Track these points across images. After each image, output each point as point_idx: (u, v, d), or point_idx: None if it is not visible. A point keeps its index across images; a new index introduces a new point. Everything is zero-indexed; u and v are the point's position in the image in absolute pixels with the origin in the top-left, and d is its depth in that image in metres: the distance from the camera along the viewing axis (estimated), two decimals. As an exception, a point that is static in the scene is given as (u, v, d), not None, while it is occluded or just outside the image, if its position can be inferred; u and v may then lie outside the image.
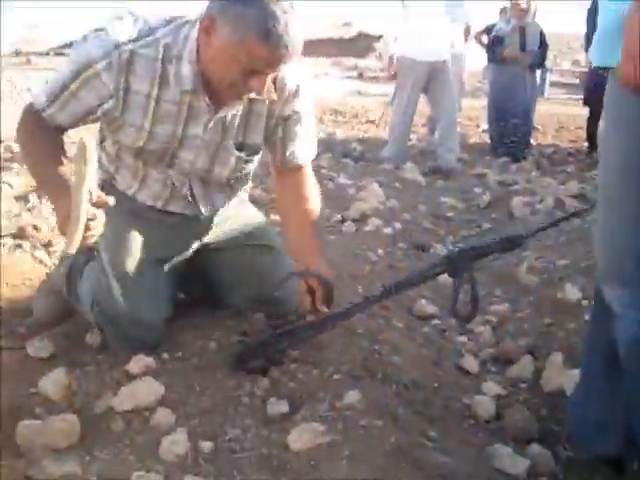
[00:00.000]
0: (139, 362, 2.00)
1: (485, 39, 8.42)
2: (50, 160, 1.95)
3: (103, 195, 1.73)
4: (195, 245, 2.32)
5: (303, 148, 2.24)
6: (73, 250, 1.67)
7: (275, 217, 2.86)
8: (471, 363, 2.44)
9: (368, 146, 7.59)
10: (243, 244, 2.36)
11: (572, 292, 2.85)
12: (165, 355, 2.10)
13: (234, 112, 2.07)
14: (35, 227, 3.28)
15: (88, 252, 2.35)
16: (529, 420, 2.06)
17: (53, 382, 1.94)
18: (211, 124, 2.05)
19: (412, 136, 8.95)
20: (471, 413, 2.11)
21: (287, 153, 2.21)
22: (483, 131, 9.80)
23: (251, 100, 2.07)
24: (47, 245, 3.16)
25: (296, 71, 2.08)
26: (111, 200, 1.76)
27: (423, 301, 2.89)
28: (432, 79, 6.68)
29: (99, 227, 1.73)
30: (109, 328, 2.14)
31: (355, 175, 5.59)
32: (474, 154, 7.84)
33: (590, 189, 5.51)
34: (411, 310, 2.84)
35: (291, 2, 1.78)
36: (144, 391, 1.85)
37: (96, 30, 1.92)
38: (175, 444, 1.65)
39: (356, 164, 6.39)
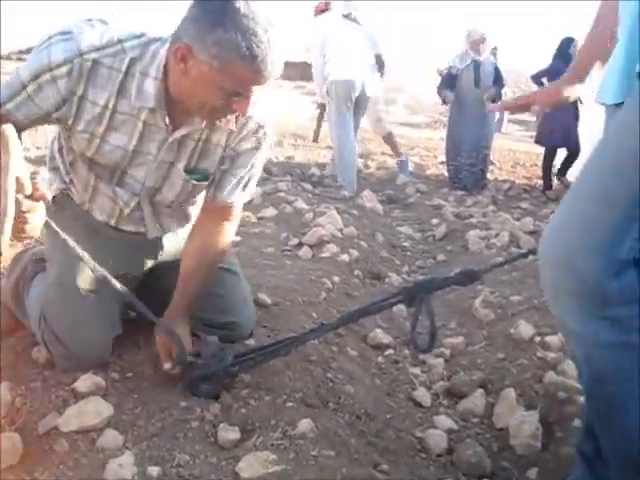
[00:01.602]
0: (87, 381, 1.95)
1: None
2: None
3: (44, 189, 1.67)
4: (150, 264, 2.28)
5: (240, 191, 2.19)
6: (4, 244, 1.60)
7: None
8: (424, 395, 2.43)
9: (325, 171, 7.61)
10: None
11: (526, 328, 2.86)
12: (115, 375, 2.05)
13: (193, 134, 2.04)
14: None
15: (36, 264, 2.30)
16: (481, 455, 2.06)
17: (-4, 398, 1.88)
18: (166, 144, 2.02)
19: (371, 164, 9.03)
20: (423, 446, 2.10)
21: (223, 192, 2.16)
22: (441, 163, 9.91)
23: (212, 129, 2.05)
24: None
25: (262, 108, 2.05)
26: (49, 195, 1.70)
27: (378, 331, 2.88)
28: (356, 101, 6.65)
29: (36, 220, 1.66)
30: (56, 346, 2.08)
31: (313, 200, 5.58)
32: (432, 185, 7.91)
33: (544, 226, 5.59)
34: (365, 339, 2.83)
35: (269, 17, 1.74)
36: (91, 411, 1.80)
37: (63, 32, 1.85)
38: (122, 467, 1.60)
39: (315, 189, 6.39)
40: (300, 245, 4.06)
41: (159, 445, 1.74)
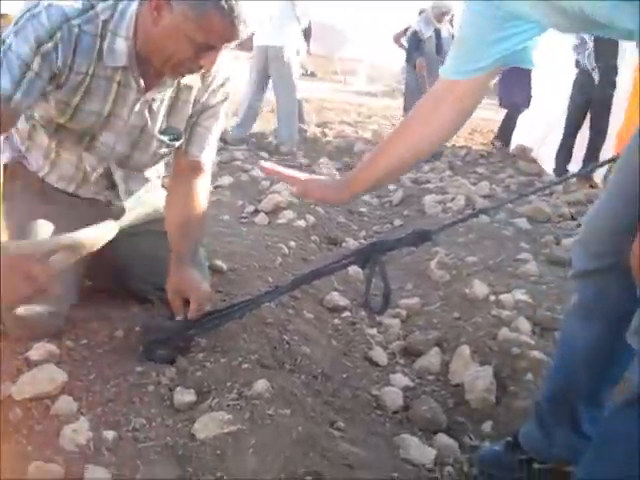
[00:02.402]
0: (40, 349, 1.92)
1: (403, 41, 8.52)
2: None
3: None
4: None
5: (209, 147, 2.22)
6: None
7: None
8: (380, 355, 2.46)
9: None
10: (154, 230, 2.31)
11: (480, 288, 2.90)
12: (69, 342, 2.02)
13: (161, 96, 2.05)
14: None
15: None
16: (436, 411, 2.09)
17: (-53, 369, 1.85)
18: (137, 106, 2.02)
19: (328, 132, 9.01)
20: (379, 404, 2.12)
21: (194, 146, 2.19)
22: (398, 130, 9.89)
23: (179, 86, 2.06)
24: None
25: (226, 64, 2.07)
26: None
27: (334, 293, 2.90)
28: (270, 64, 6.97)
29: None
30: (7, 315, 2.05)
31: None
32: (389, 152, 7.91)
33: (500, 190, 5.65)
34: (322, 302, 2.84)
35: None
36: (45, 379, 1.77)
37: (40, 3, 1.80)
38: (76, 433, 1.59)
39: (271, 157, 6.36)
40: (256, 212, 4.05)
41: (114, 410, 1.73)
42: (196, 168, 2.22)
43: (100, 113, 2.00)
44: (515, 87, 8.22)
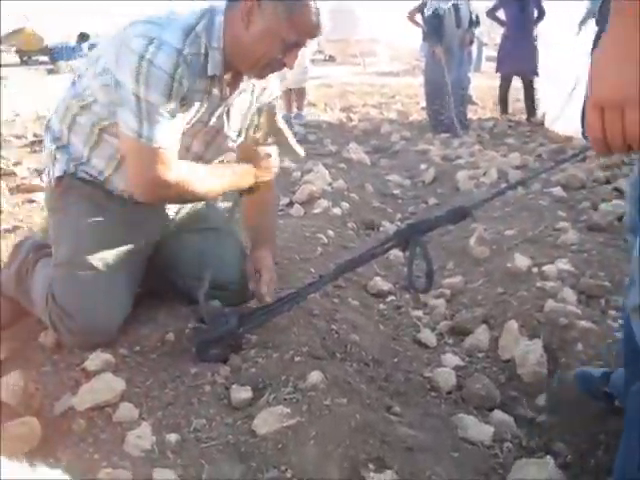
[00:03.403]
0: (96, 359, 1.96)
1: (419, 18, 8.46)
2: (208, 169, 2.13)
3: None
4: (164, 229, 2.31)
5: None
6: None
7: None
8: (429, 336, 2.47)
9: (311, 128, 7.58)
10: (203, 227, 2.38)
11: (522, 261, 2.89)
12: (123, 350, 2.07)
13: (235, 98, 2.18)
14: (-23, 231, 3.20)
15: (37, 252, 2.31)
16: (489, 388, 2.10)
17: (9, 386, 1.89)
18: (219, 110, 2.14)
19: (353, 116, 8.99)
20: (432, 385, 2.13)
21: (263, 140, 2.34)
22: (422, 108, 9.87)
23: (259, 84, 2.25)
24: (-9, 248, 3.09)
25: None
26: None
27: (377, 279, 2.91)
28: None
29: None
30: (64, 324, 2.09)
31: (299, 158, 5.56)
32: (415, 131, 7.89)
33: (532, 159, 5.61)
34: (366, 288, 2.85)
35: None
36: (104, 388, 1.82)
37: (149, 39, 1.87)
38: (140, 438, 1.63)
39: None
40: (291, 204, 4.07)
41: (174, 413, 1.76)
42: (266, 159, 2.34)
43: (190, 121, 2.08)
44: (518, 51, 8.26)
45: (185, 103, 1.99)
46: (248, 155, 2.31)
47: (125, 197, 2.20)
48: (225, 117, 2.20)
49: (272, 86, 2.34)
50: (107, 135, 2.11)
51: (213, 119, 2.15)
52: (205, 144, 2.20)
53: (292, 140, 2.35)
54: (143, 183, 1.97)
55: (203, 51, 1.98)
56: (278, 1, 1.91)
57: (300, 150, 2.40)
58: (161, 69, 1.87)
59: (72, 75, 2.16)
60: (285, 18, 1.91)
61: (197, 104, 2.06)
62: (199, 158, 2.21)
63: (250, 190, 2.28)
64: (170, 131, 1.95)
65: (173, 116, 1.94)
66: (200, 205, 2.42)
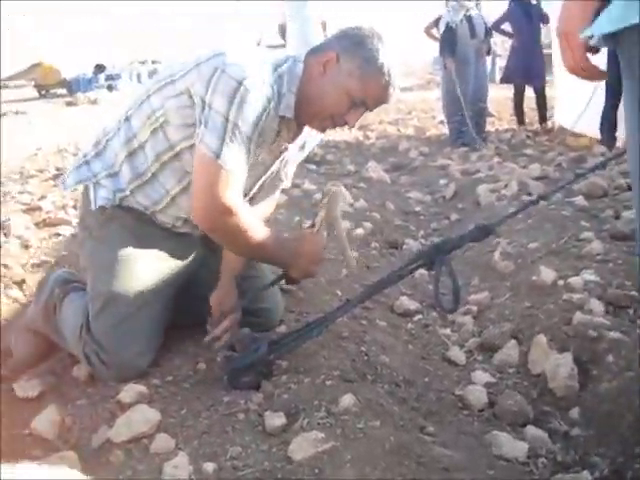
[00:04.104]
0: (130, 391, 1.99)
1: (435, 32, 8.50)
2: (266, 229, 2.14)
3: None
4: (195, 262, 2.33)
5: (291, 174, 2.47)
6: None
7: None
8: (458, 354, 2.47)
9: (328, 149, 7.61)
10: None
11: (547, 274, 2.88)
12: (156, 381, 2.09)
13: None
14: (5, 266, 3.24)
15: (62, 285, 2.34)
16: (521, 403, 2.10)
17: (46, 420, 1.92)
18: (282, 153, 2.24)
19: (370, 134, 9.02)
20: (464, 403, 2.14)
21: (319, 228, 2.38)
22: (440, 122, 9.89)
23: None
24: (20, 283, 3.13)
25: None
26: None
27: (403, 298, 2.92)
28: None
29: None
30: (98, 357, 2.12)
31: (320, 180, 5.60)
32: (433, 146, 7.91)
33: (552, 169, 5.60)
34: (392, 308, 2.86)
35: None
36: (140, 419, 1.84)
37: (244, 75, 1.93)
38: (178, 468, 1.65)
39: (319, 168, 6.40)
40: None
41: (210, 442, 1.78)
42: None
43: (256, 159, 2.12)
44: (527, 61, 8.30)
45: (260, 139, 2.05)
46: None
47: (168, 228, 2.23)
48: (281, 162, 2.28)
49: (319, 135, 2.42)
50: (166, 171, 2.14)
51: (277, 162, 2.23)
52: (255, 180, 2.23)
53: (346, 243, 2.34)
54: (207, 203, 1.98)
55: (283, 91, 2.05)
56: (356, 61, 2.04)
57: (352, 261, 2.39)
58: (256, 98, 1.93)
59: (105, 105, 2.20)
60: (358, 77, 2.04)
61: (267, 143, 2.11)
62: (251, 198, 2.27)
63: (292, 279, 2.29)
64: (244, 161, 1.99)
65: (250, 149, 1.99)
66: None
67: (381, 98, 2.11)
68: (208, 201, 1.98)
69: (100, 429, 1.88)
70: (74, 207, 4.74)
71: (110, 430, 1.84)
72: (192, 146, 2.04)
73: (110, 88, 17.93)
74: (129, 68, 20.03)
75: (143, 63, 21.13)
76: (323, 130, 2.24)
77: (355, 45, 2.06)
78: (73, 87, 17.85)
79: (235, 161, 1.94)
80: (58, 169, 6.62)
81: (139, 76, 18.97)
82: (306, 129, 2.27)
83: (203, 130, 1.94)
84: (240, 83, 1.90)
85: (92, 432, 1.88)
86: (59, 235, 4.17)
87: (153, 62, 20.81)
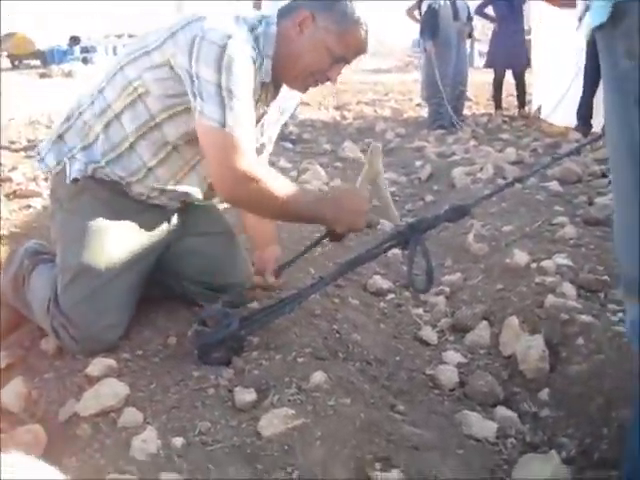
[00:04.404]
0: (99, 364, 1.96)
1: (417, 14, 8.48)
2: (295, 187, 2.10)
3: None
4: (168, 235, 2.31)
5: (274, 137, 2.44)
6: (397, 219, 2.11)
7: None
8: (429, 334, 2.47)
9: (304, 128, 7.58)
10: (205, 231, 2.39)
11: (521, 256, 2.89)
12: (125, 355, 2.07)
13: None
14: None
15: (32, 257, 2.30)
16: (492, 384, 2.10)
17: (12, 393, 1.89)
18: (262, 118, 2.21)
19: (347, 114, 9.00)
20: (435, 383, 2.14)
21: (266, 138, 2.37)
22: (417, 105, 9.89)
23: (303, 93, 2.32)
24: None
25: None
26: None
27: (377, 277, 2.91)
28: None
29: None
30: (67, 331, 2.09)
31: (295, 158, 5.57)
32: (410, 128, 7.91)
33: (527, 154, 5.62)
34: (366, 287, 2.85)
35: None
36: (108, 393, 1.81)
37: (227, 35, 1.89)
38: (146, 443, 1.63)
39: (295, 146, 6.37)
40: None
41: (179, 416, 1.76)
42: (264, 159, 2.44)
43: None
44: (509, 46, 8.33)
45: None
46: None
47: (141, 200, 2.20)
48: (261, 126, 2.24)
49: (296, 95, 2.40)
50: (144, 140, 2.11)
51: (258, 126, 2.19)
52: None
53: (389, 198, 2.30)
54: (227, 174, 1.94)
55: (260, 55, 2.03)
56: (333, 16, 2.03)
57: (396, 217, 2.34)
58: (242, 59, 1.91)
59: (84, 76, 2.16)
60: (337, 33, 2.03)
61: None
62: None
63: (336, 235, 2.22)
64: (250, 123, 1.97)
65: (251, 107, 1.97)
66: (201, 208, 2.41)
67: (360, 50, 2.11)
68: (225, 173, 1.94)
69: (67, 402, 1.86)
70: (45, 179, 4.69)
71: (77, 404, 1.82)
72: (172, 116, 2.03)
73: (85, 61, 17.72)
74: (105, 41, 19.81)
75: (119, 37, 20.91)
76: (305, 90, 2.22)
77: (328, 2, 2.05)
78: (47, 59, 17.63)
79: (241, 125, 1.91)
80: (30, 141, 6.55)
81: (115, 49, 18.78)
82: (283, 92, 2.24)
83: (200, 103, 1.89)
84: (223, 48, 1.86)
85: (59, 405, 1.86)
86: (30, 207, 4.12)
87: (130, 36, 20.60)
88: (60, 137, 2.20)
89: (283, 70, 2.09)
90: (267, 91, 2.14)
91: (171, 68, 1.96)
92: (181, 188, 2.21)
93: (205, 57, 1.88)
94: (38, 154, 2.23)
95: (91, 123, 2.14)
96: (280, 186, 2.01)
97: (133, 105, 2.07)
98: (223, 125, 1.88)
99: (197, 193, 2.26)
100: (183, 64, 1.92)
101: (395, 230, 2.25)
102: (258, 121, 2.19)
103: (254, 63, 1.97)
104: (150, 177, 2.15)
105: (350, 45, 2.07)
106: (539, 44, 8.76)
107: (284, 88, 2.23)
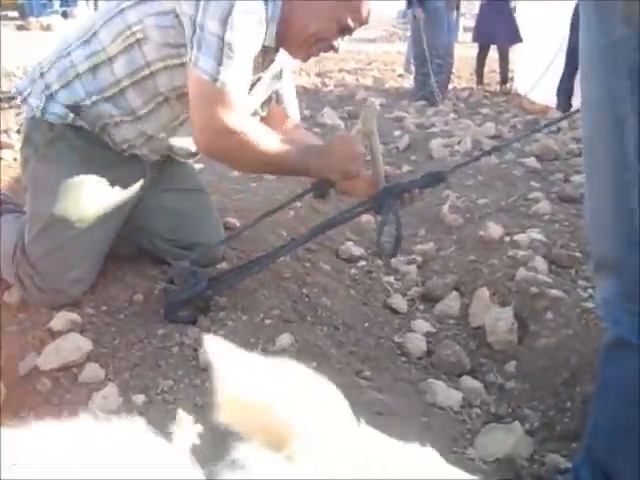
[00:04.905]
0: (62, 318, 1.93)
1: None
2: (280, 138, 2.02)
3: None
4: (142, 189, 2.25)
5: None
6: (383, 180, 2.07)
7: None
8: (399, 302, 2.45)
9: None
10: (177, 188, 2.36)
11: (494, 229, 2.88)
12: (90, 310, 2.03)
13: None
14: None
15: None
16: (460, 354, 2.10)
17: (-29, 345, 1.86)
18: (258, 82, 2.18)
19: (328, 82, 8.94)
20: (403, 351, 2.13)
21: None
22: (399, 75, 9.83)
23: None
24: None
25: None
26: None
27: (349, 244, 2.89)
28: None
29: None
30: (32, 281, 2.05)
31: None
32: (390, 98, 7.86)
33: (506, 130, 5.61)
34: (337, 253, 2.83)
35: None
36: (70, 348, 1.79)
37: (234, 4, 1.82)
38: (106, 399, 1.61)
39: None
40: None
41: (141, 374, 1.74)
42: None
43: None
44: (496, 21, 8.30)
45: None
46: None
47: (120, 151, 2.15)
48: (257, 87, 2.21)
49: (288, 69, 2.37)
50: (135, 88, 2.04)
51: (254, 89, 2.15)
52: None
53: (380, 158, 2.23)
54: (208, 126, 1.91)
55: (266, 19, 1.97)
56: None
57: (382, 178, 2.27)
58: (251, 17, 1.86)
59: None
60: (346, 2, 2.00)
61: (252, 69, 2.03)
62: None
63: (324, 190, 2.19)
64: (244, 81, 1.94)
65: (249, 66, 1.93)
66: (176, 165, 2.37)
67: (365, 20, 2.09)
68: (206, 125, 1.91)
69: (28, 356, 1.82)
70: (18, 131, 4.59)
71: (38, 357, 1.79)
72: (167, 67, 1.98)
73: (65, 15, 17.40)
74: (86, -5, 19.46)
75: (101, -8, 20.55)
76: (307, 59, 2.17)
77: None
78: (26, 11, 17.30)
79: (234, 82, 1.87)
80: (3, 92, 6.41)
81: (96, 4, 18.43)
82: (279, 57, 2.19)
83: (196, 53, 1.84)
84: (232, 3, 1.81)
85: (19, 359, 1.82)
86: (0, 159, 4.04)
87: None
88: (42, 75, 2.11)
89: (288, 37, 2.04)
90: (267, 56, 2.11)
91: (176, 16, 1.89)
92: (169, 140, 2.17)
93: (213, 9, 1.82)
94: (20, 94, 2.15)
95: (78, 62, 2.05)
96: (263, 137, 1.97)
97: (129, 50, 1.99)
98: (214, 79, 1.84)
99: (182, 149, 2.21)
100: (188, 11, 1.85)
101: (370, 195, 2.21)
102: (252, 86, 2.15)
103: (260, 25, 1.92)
104: (137, 124, 2.10)
105: (357, 13, 2.03)
106: (522, 22, 8.73)
107: (281, 55, 2.19)
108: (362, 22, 2.08)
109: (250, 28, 1.87)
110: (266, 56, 2.09)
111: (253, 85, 2.14)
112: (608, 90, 1.15)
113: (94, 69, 2.04)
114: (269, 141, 1.97)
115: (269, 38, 2.00)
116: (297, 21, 2.00)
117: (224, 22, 1.81)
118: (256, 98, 2.24)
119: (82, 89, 2.06)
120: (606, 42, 1.15)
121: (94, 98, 2.06)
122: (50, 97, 2.07)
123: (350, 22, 2.03)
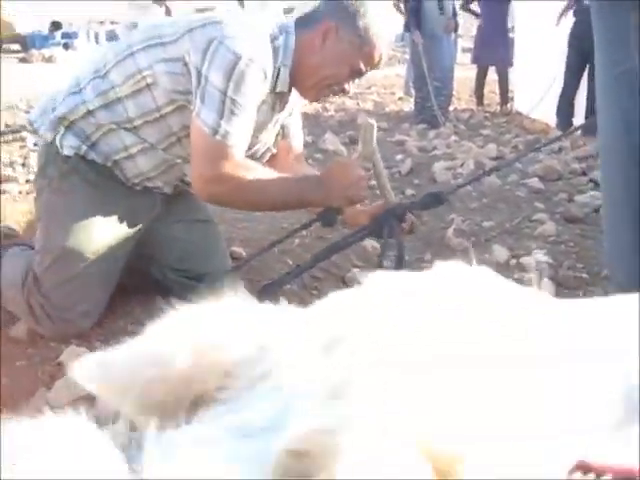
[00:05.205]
0: (72, 353, 1.93)
1: (402, 6, 8.44)
2: (277, 176, 2.07)
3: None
4: (151, 217, 2.28)
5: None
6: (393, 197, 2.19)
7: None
8: (408, 328, 2.44)
9: (286, 119, 7.54)
10: (187, 219, 2.39)
11: (500, 252, 2.89)
12: (97, 343, 2.04)
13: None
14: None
15: (3, 240, 2.27)
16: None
17: (-18, 381, 1.86)
18: (272, 124, 2.23)
19: (329, 106, 8.98)
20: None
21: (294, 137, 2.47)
22: (399, 99, 9.88)
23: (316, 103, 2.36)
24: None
25: None
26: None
27: (355, 270, 2.89)
28: None
29: None
30: (44, 310, 2.06)
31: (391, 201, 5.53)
32: (391, 122, 7.88)
33: (508, 151, 5.63)
34: (344, 280, 2.83)
35: None
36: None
37: (246, 45, 1.90)
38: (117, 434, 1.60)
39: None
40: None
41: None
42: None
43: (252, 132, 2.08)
44: (495, 42, 8.36)
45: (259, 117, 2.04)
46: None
47: (130, 185, 2.16)
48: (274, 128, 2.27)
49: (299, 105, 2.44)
50: (149, 129, 2.08)
51: (265, 133, 2.20)
52: (250, 156, 2.19)
53: (385, 177, 2.26)
54: (205, 176, 1.97)
55: (277, 65, 2.02)
56: (356, 30, 2.04)
57: (392, 195, 2.29)
58: (255, 73, 1.90)
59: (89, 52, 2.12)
60: (358, 47, 2.05)
61: (262, 116, 2.08)
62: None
63: (331, 218, 2.21)
64: (245, 133, 1.97)
65: (251, 121, 1.96)
66: (188, 196, 2.39)
67: (377, 64, 2.13)
68: (203, 174, 1.97)
69: (38, 392, 1.82)
70: (23, 164, 4.63)
71: (49, 392, 1.78)
72: (177, 109, 2.02)
73: (67, 46, 17.54)
74: (87, 27, 19.64)
75: (101, 23, 20.75)
76: (317, 99, 2.25)
77: (353, 14, 2.05)
78: (28, 43, 17.45)
79: (235, 134, 1.92)
80: (7, 126, 6.46)
81: (97, 36, 18.61)
82: (293, 96, 2.23)
83: (199, 105, 1.90)
84: (239, 58, 1.87)
85: (30, 394, 1.82)
86: (5, 193, 4.06)
87: (112, 22, 20.44)
88: (54, 110, 2.12)
89: (300, 79, 2.09)
90: (282, 100, 2.16)
91: (185, 64, 1.94)
92: (185, 167, 2.20)
93: (219, 62, 1.87)
94: (31, 125, 2.18)
95: (88, 100, 2.08)
96: (259, 179, 2.00)
97: (140, 93, 2.04)
98: (215, 132, 1.89)
99: None
100: (196, 62, 1.91)
101: (372, 217, 2.22)
102: (266, 129, 2.21)
103: (266, 78, 1.97)
104: (157, 152, 2.14)
105: (369, 59, 2.09)
106: (522, 42, 8.78)
107: (293, 93, 2.22)
108: (375, 66, 2.12)
109: (254, 82, 1.91)
110: (281, 100, 2.14)
111: (267, 125, 2.19)
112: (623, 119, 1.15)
113: (105, 107, 2.07)
114: (265, 181, 2.02)
115: (282, 84, 2.06)
116: (310, 65, 2.05)
117: (228, 76, 1.86)
118: (271, 137, 2.29)
119: (95, 123, 2.09)
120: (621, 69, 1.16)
121: (108, 127, 2.09)
122: (64, 129, 2.09)
123: (362, 67, 2.08)
